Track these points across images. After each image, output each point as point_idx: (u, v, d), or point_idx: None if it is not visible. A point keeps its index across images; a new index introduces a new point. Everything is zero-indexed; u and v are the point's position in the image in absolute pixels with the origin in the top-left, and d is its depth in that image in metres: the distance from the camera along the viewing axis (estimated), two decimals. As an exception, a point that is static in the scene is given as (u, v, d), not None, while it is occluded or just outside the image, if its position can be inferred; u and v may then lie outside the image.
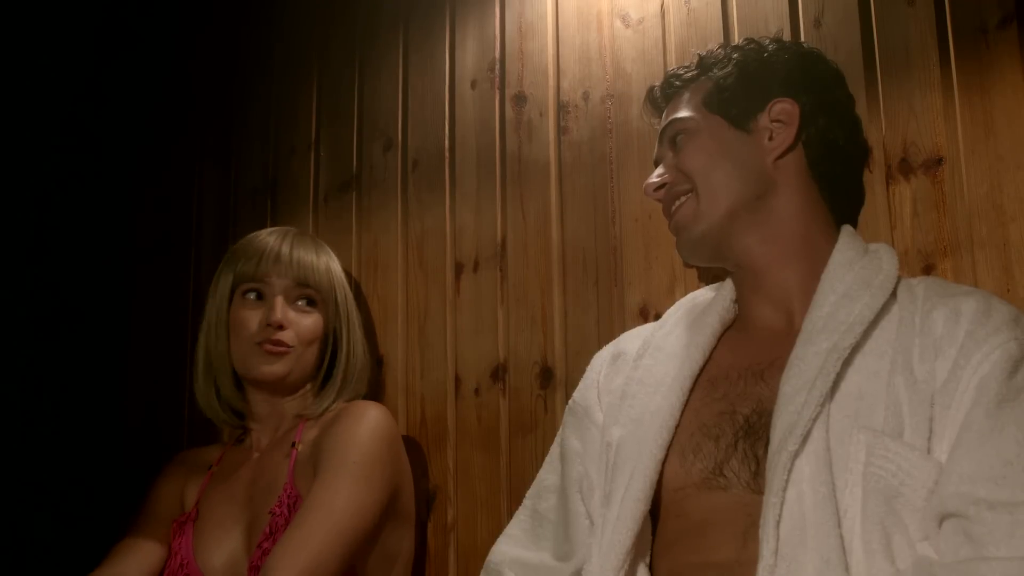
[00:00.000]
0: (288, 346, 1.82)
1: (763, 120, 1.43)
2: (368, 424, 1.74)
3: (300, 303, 1.85)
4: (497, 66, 2.00)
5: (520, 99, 1.95)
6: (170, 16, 2.64)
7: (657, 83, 1.59)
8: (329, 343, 1.88)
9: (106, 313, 2.55)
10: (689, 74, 1.52)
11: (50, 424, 2.48)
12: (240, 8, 2.50)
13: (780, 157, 1.42)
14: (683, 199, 1.45)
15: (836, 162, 1.46)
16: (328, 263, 1.91)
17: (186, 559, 1.75)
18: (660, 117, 1.56)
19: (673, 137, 1.49)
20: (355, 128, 2.20)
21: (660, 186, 1.49)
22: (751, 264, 1.42)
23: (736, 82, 1.46)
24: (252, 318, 1.84)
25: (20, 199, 2.52)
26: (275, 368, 1.82)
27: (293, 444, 1.79)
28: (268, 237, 1.89)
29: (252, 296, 1.85)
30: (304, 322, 1.85)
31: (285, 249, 1.85)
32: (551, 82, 1.92)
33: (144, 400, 2.44)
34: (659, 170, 1.50)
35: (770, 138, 1.42)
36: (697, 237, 1.43)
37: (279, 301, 1.83)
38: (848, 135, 1.50)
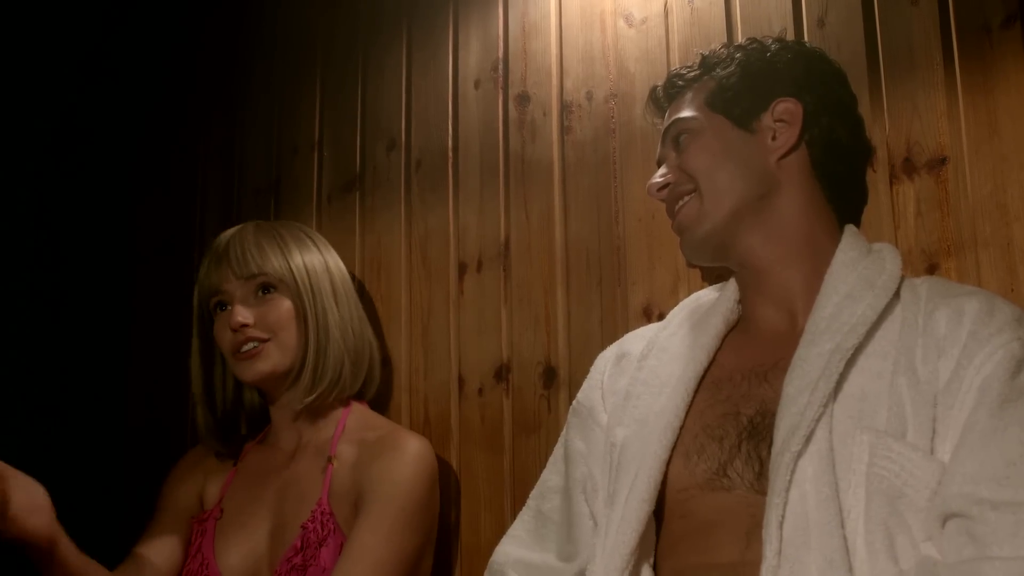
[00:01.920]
0: (262, 340, 1.82)
1: (766, 120, 1.43)
2: (413, 464, 1.74)
3: (260, 293, 1.84)
4: (500, 66, 2.00)
5: (523, 99, 1.95)
6: (172, 16, 2.64)
7: (659, 83, 1.59)
8: (302, 326, 1.85)
9: (108, 314, 2.55)
10: (691, 74, 1.52)
11: (51, 425, 2.48)
12: (242, 7, 2.50)
13: (783, 157, 1.42)
14: (686, 199, 1.45)
15: (839, 162, 1.46)
16: (280, 247, 1.87)
17: (207, 559, 1.75)
18: (662, 117, 1.56)
19: (676, 137, 1.48)
20: (358, 128, 2.20)
21: (663, 186, 1.48)
22: (754, 264, 1.42)
23: (739, 82, 1.45)
24: (224, 331, 1.84)
25: (20, 199, 2.52)
26: (257, 366, 1.82)
27: (329, 459, 1.78)
28: (221, 238, 1.89)
29: (220, 309, 1.86)
30: (276, 311, 1.83)
31: (226, 250, 1.85)
32: (554, 82, 1.92)
33: (146, 401, 2.44)
34: (662, 170, 1.50)
35: (773, 138, 1.42)
36: (701, 237, 1.43)
37: (237, 306, 1.82)
38: (851, 134, 1.50)
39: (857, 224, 1.49)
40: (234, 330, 1.81)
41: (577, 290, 1.82)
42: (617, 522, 1.30)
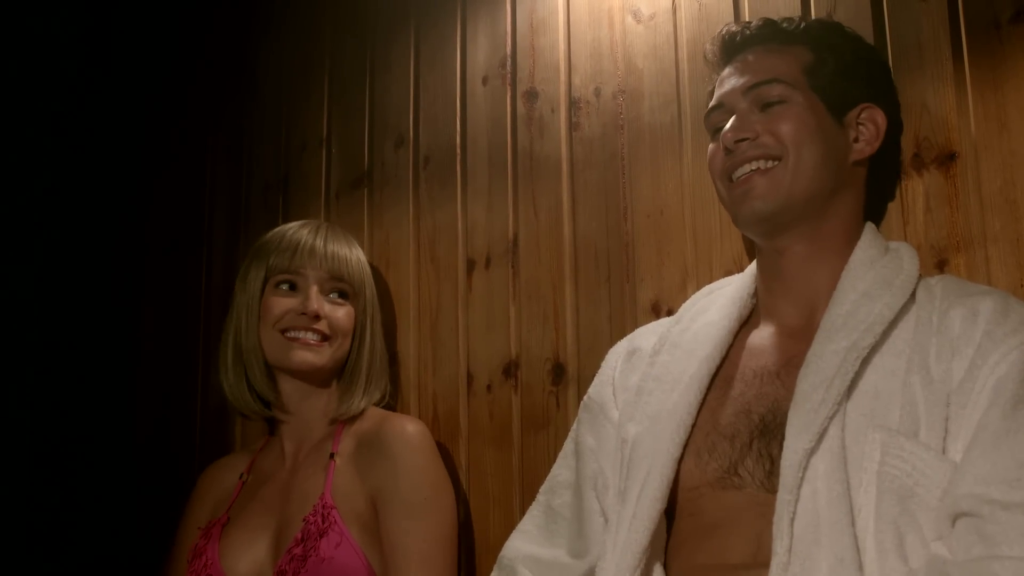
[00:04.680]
0: (325, 337, 1.84)
1: (852, 118, 1.41)
2: (419, 448, 1.78)
3: (333, 295, 1.87)
4: (508, 62, 2.00)
5: (531, 95, 1.95)
6: (180, 12, 2.64)
7: (734, 26, 1.49)
8: (356, 337, 1.89)
9: (116, 312, 2.55)
10: (787, 35, 1.45)
11: (59, 428, 2.48)
12: (250, 3, 2.51)
13: (857, 162, 1.41)
14: (764, 164, 1.38)
15: (887, 174, 1.48)
16: (359, 256, 1.93)
17: (211, 559, 1.76)
18: (726, 63, 1.48)
19: (763, 94, 1.41)
20: (366, 124, 2.21)
21: (743, 139, 1.39)
22: (791, 253, 1.40)
23: (837, 69, 1.42)
24: (282, 305, 1.85)
25: (27, 196, 2.52)
26: (311, 357, 1.83)
27: (332, 456, 1.81)
28: (301, 230, 1.90)
29: (285, 287, 1.87)
30: (338, 314, 1.86)
31: (319, 242, 1.87)
32: (562, 78, 1.92)
33: (156, 400, 2.44)
34: (737, 121, 1.41)
35: (856, 139, 1.41)
36: (771, 210, 1.37)
37: (314, 291, 1.84)
38: (898, 149, 1.50)
39: (879, 216, 1.48)
40: (304, 314, 1.83)
41: (586, 287, 1.82)
42: (629, 520, 1.30)
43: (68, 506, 2.44)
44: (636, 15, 1.85)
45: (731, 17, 1.72)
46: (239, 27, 2.51)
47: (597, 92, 1.87)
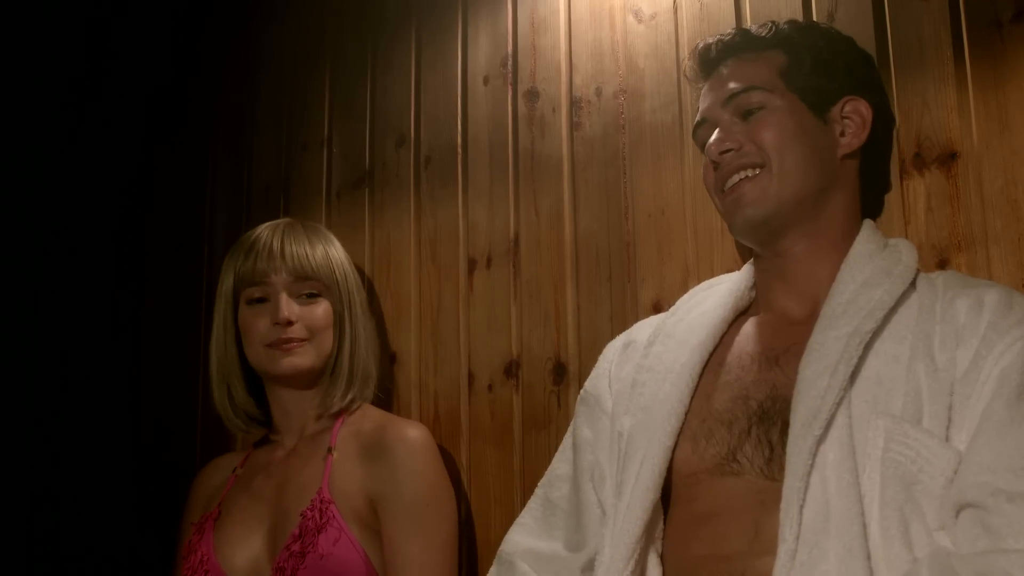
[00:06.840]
0: (302, 339, 1.83)
1: (835, 113, 1.42)
2: (421, 454, 1.77)
3: (304, 296, 1.86)
4: (509, 62, 2.00)
5: (532, 95, 1.95)
6: (180, 10, 2.64)
7: (711, 39, 1.51)
8: (337, 330, 1.89)
9: (117, 312, 2.55)
10: (760, 40, 1.46)
11: (60, 429, 2.47)
12: (250, 4, 2.51)
13: (847, 156, 1.41)
14: (750, 173, 1.39)
15: (881, 166, 1.48)
16: (325, 249, 1.90)
17: (206, 555, 1.76)
18: (705, 77, 1.50)
19: (742, 103, 1.42)
20: (367, 124, 2.21)
21: (727, 150, 1.41)
22: (791, 254, 1.41)
23: (814, 67, 1.42)
24: (260, 321, 1.85)
25: (26, 197, 2.52)
26: (295, 360, 1.83)
27: (329, 450, 1.80)
28: (262, 232, 1.90)
29: (257, 302, 1.86)
30: (315, 313, 1.86)
31: (277, 243, 1.86)
32: (563, 78, 1.92)
33: (157, 401, 2.44)
34: (720, 133, 1.43)
35: (842, 134, 1.41)
36: (763, 216, 1.38)
37: (283, 298, 1.83)
38: (890, 140, 1.51)
39: (872, 215, 1.49)
40: (278, 323, 1.82)
41: (587, 286, 1.82)
42: (624, 511, 1.30)
43: (69, 508, 2.44)
44: (637, 15, 1.85)
45: (732, 16, 1.72)
46: (239, 27, 2.51)
47: (598, 92, 1.87)
